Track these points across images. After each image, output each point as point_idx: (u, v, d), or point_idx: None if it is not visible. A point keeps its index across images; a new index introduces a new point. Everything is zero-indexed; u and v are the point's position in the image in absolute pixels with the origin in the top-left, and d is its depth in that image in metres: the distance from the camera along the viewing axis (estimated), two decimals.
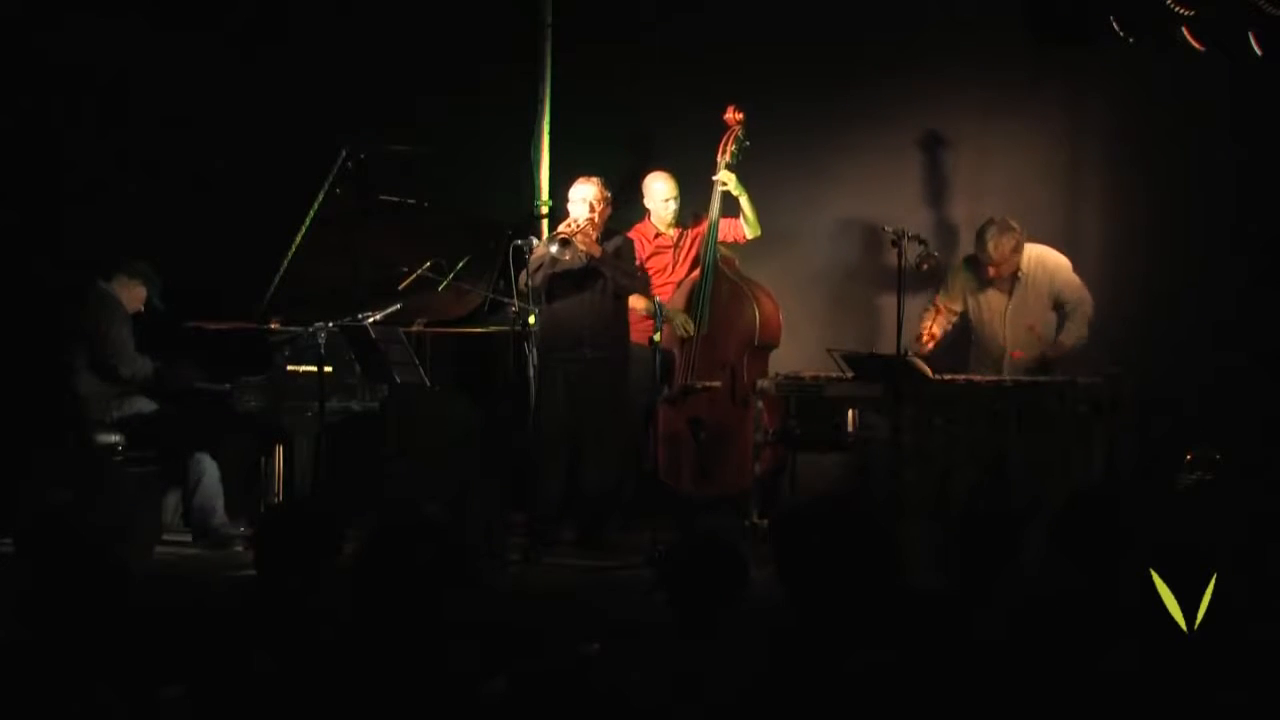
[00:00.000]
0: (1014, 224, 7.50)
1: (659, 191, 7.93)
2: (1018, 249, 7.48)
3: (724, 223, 7.88)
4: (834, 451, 7.48)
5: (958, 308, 7.72)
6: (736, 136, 7.81)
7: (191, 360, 7.53)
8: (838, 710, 3.34)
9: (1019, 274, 7.53)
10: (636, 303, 7.66)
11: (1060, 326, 7.57)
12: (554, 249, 7.16)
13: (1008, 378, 7.29)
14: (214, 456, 7.52)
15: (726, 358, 7.79)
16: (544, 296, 7.35)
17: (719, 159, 7.81)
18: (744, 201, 7.84)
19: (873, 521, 3.61)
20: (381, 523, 3.76)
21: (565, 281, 7.34)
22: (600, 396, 7.38)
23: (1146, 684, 3.53)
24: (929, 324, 7.61)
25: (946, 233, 8.25)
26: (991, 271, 7.53)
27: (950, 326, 7.74)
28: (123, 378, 7.38)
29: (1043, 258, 7.57)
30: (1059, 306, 7.56)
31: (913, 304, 7.78)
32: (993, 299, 7.60)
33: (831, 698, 3.33)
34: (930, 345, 7.55)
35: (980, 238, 7.52)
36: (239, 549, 7.17)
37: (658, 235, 7.98)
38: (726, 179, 7.77)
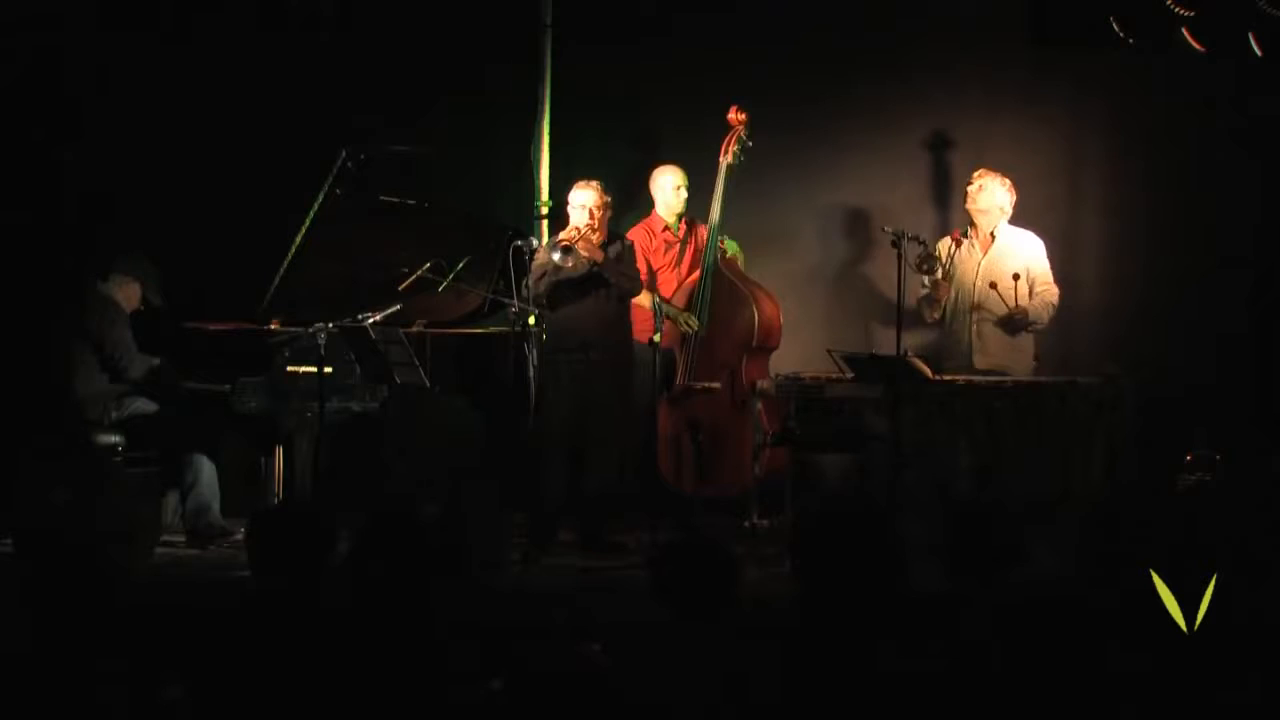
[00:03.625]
0: (1008, 180, 7.52)
1: (668, 182, 7.93)
2: (1000, 194, 7.48)
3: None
4: (834, 451, 7.49)
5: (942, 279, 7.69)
6: (739, 137, 7.81)
7: (174, 364, 7.53)
8: (841, 710, 3.34)
9: (995, 234, 7.53)
10: (640, 300, 7.66)
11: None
12: (556, 256, 7.14)
13: (1007, 378, 7.28)
14: (214, 457, 7.52)
15: (726, 358, 7.79)
16: (547, 303, 7.33)
17: (721, 160, 7.81)
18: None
19: (890, 524, 3.63)
20: (374, 522, 3.77)
21: (568, 287, 7.33)
22: (603, 398, 7.37)
23: (1146, 684, 3.53)
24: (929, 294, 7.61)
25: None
26: (970, 204, 7.52)
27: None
28: (131, 378, 7.39)
29: (1024, 235, 7.59)
30: (1029, 285, 7.52)
31: (912, 305, 7.79)
32: (968, 255, 7.58)
33: (836, 698, 3.33)
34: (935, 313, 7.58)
35: (970, 178, 7.57)
36: (234, 549, 7.15)
37: (665, 229, 7.98)
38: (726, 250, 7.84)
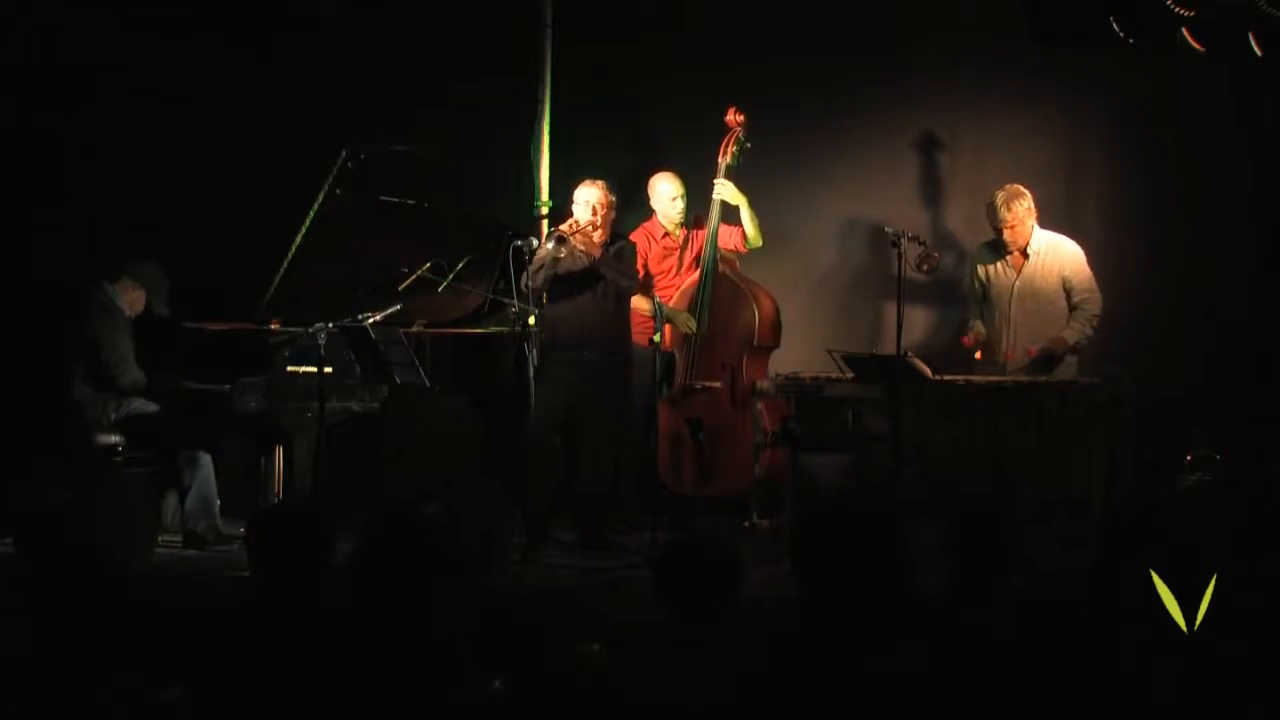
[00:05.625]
0: (1025, 190, 7.45)
1: (665, 191, 7.92)
2: (1030, 213, 7.42)
3: (724, 229, 7.87)
4: (834, 451, 7.48)
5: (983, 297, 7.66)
6: (737, 138, 7.80)
7: (174, 364, 7.53)
8: (841, 711, 3.34)
9: (1028, 251, 7.48)
10: (640, 304, 7.66)
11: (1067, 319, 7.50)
12: (550, 245, 7.17)
13: (1008, 378, 7.28)
14: (214, 457, 7.52)
15: (726, 358, 7.80)
16: (545, 297, 7.34)
17: (720, 160, 7.81)
18: (744, 211, 7.82)
19: (891, 524, 3.63)
20: (377, 522, 3.77)
21: (566, 283, 7.34)
22: (602, 398, 7.38)
23: (1146, 685, 3.53)
24: (974, 335, 7.57)
25: (947, 233, 8.26)
26: (1007, 235, 7.42)
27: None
28: (120, 385, 7.39)
29: (1056, 243, 7.51)
30: (1068, 295, 7.49)
31: (913, 305, 7.78)
32: (1002, 274, 7.53)
33: (836, 698, 3.33)
34: (980, 354, 7.53)
35: (991, 204, 7.43)
36: (234, 548, 7.15)
37: (665, 235, 7.97)
38: (723, 189, 7.75)
